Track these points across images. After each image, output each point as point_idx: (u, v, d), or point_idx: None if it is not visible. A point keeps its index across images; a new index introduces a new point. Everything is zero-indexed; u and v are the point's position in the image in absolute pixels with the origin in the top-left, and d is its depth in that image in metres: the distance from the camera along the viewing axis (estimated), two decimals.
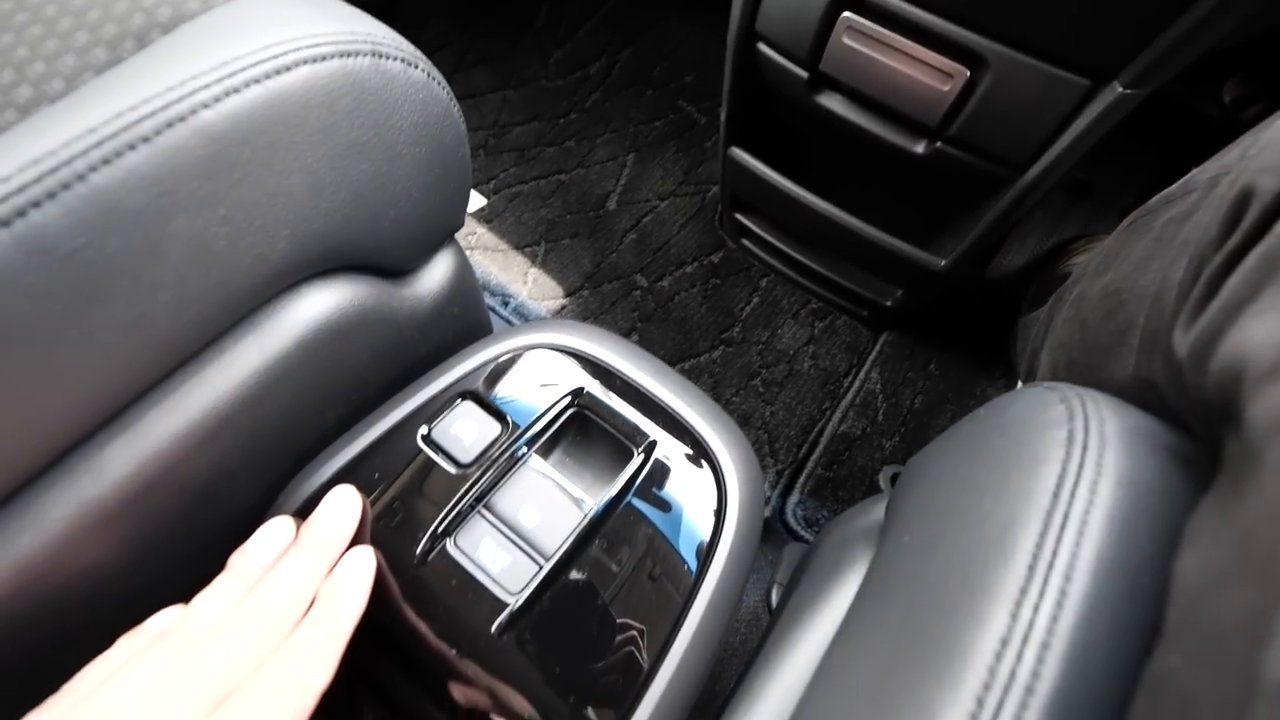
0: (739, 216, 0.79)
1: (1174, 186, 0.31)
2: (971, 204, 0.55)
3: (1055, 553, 0.19)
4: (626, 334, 0.76)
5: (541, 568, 0.29)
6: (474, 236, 0.80)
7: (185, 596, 0.32)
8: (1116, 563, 0.19)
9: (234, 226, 0.25)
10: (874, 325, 0.80)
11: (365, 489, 0.31)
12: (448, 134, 0.33)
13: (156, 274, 0.23)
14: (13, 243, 0.19)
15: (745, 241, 0.83)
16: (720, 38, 0.62)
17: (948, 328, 0.80)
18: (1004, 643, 0.18)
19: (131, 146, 0.21)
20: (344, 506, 0.29)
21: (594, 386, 0.34)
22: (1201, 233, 0.22)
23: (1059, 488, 0.21)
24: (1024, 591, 0.19)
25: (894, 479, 0.69)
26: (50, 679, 0.27)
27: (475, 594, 0.28)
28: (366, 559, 0.28)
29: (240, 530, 0.32)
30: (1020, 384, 0.73)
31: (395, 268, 0.35)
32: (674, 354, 0.75)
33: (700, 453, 0.33)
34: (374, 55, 0.28)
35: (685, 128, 0.95)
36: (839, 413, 0.72)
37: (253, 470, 0.31)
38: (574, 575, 0.29)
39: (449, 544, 0.29)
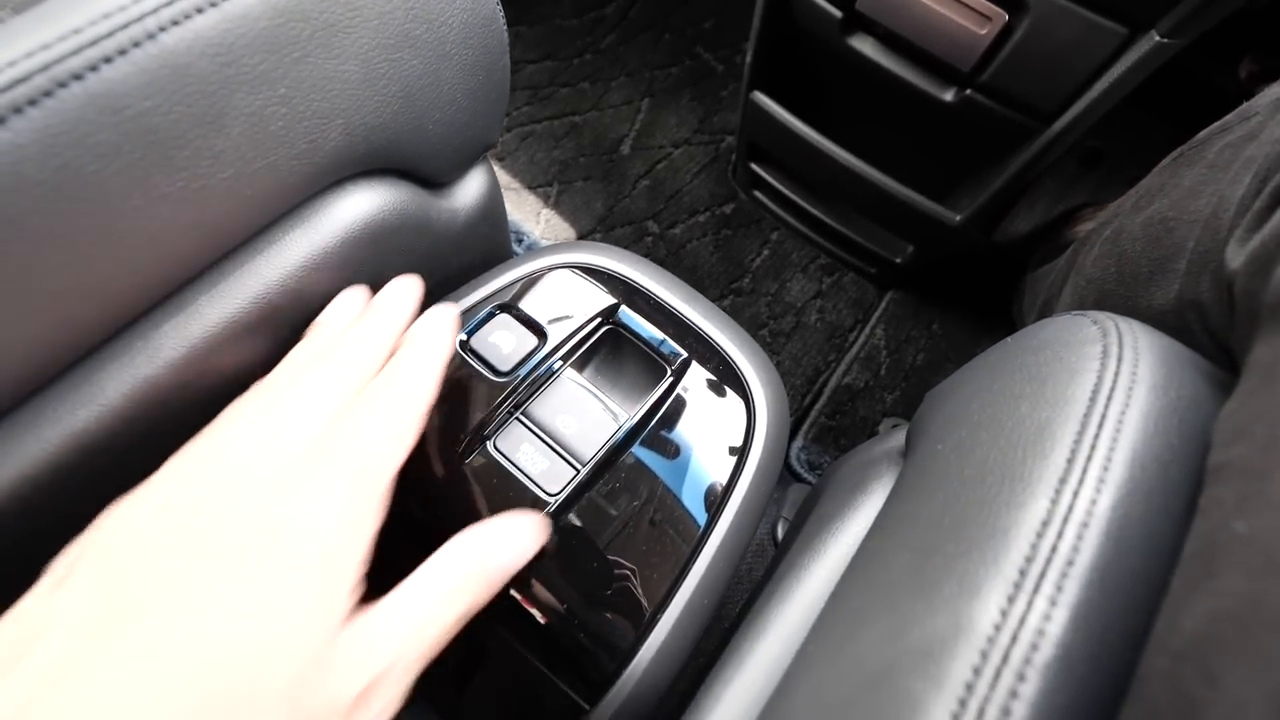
0: (754, 166, 0.79)
1: (1229, 116, 0.31)
2: (993, 157, 0.55)
3: (1094, 447, 0.20)
4: None
5: (578, 472, 0.30)
6: None
7: None
8: (1151, 455, 0.20)
9: (291, 108, 0.24)
10: (881, 283, 0.81)
11: None
12: (493, 40, 0.33)
13: (218, 148, 0.23)
14: (86, 98, 0.19)
15: (758, 193, 0.83)
16: None
17: (952, 289, 0.81)
18: (1044, 523, 0.19)
19: (200, 10, 0.21)
20: (406, 285, 0.30)
21: (627, 306, 0.34)
22: (1271, 147, 0.23)
23: (1095, 393, 0.22)
24: (1063, 480, 0.20)
25: (894, 429, 0.71)
26: None
27: (516, 492, 0.29)
28: (449, 311, 0.28)
29: None
30: None
31: (435, 177, 0.35)
32: None
33: (731, 375, 0.34)
34: None
35: (702, 75, 0.93)
36: (843, 365, 0.73)
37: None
38: (608, 482, 0.30)
39: (490, 445, 0.30)
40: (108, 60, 0.19)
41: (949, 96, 0.52)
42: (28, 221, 0.19)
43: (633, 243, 0.78)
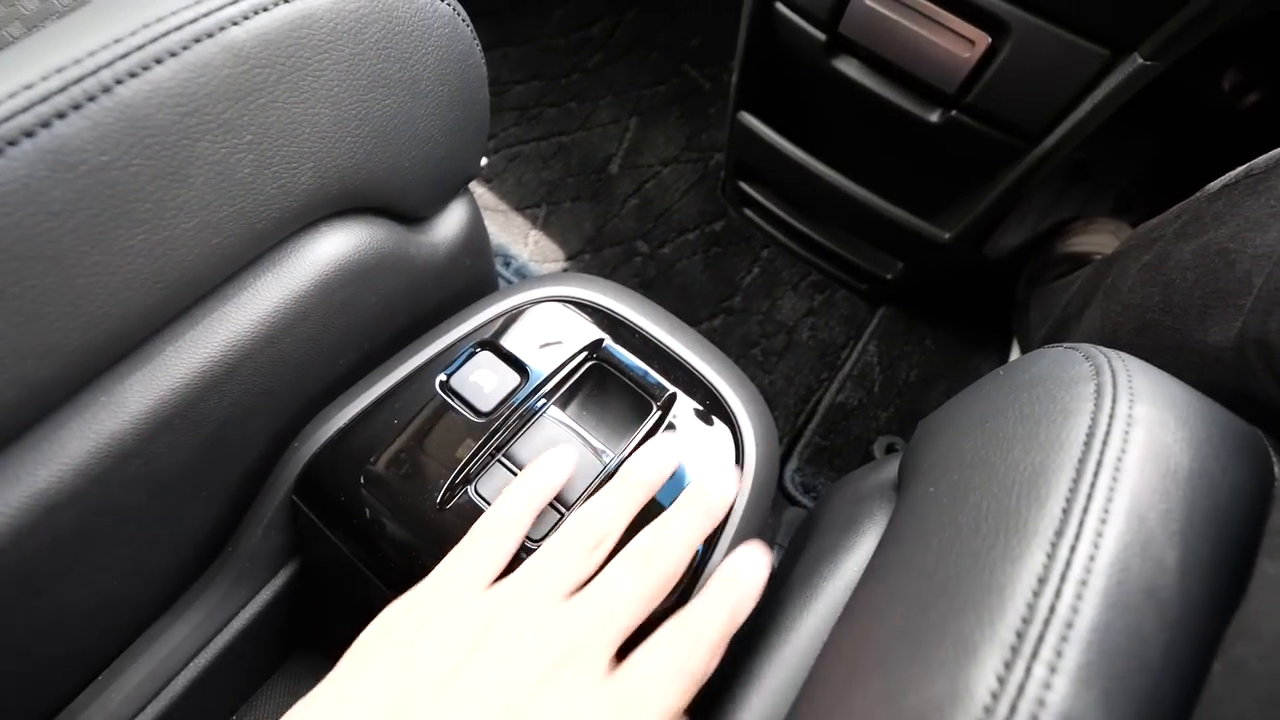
0: (743, 185, 0.79)
1: None
2: (981, 176, 0.55)
3: (1090, 496, 0.20)
4: None
5: (563, 516, 0.29)
6: (475, 196, 0.79)
7: (196, 536, 0.32)
8: (1150, 504, 0.19)
9: (259, 154, 0.24)
10: (872, 300, 0.81)
11: (382, 433, 0.30)
12: (470, 74, 0.32)
13: (181, 199, 0.22)
14: (37, 155, 0.19)
15: (748, 211, 0.83)
16: (727, 6, 0.61)
17: (943, 304, 0.81)
18: (1041, 580, 0.18)
19: (159, 60, 0.20)
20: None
21: (611, 340, 0.34)
22: None
23: (1090, 436, 0.21)
24: (1059, 533, 0.19)
25: (889, 449, 0.70)
26: (61, 617, 0.26)
27: None
28: (760, 555, 0.27)
29: (253, 473, 0.32)
30: (1011, 359, 0.74)
31: (412, 212, 0.34)
32: None
33: (717, 408, 0.33)
34: None
35: (689, 93, 0.93)
36: (836, 383, 0.72)
37: (268, 412, 0.30)
38: None
39: (470, 490, 0.29)
40: (61, 116, 0.19)
41: (934, 117, 0.51)
42: None
43: (622, 263, 0.77)
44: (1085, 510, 0.19)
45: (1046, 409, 0.24)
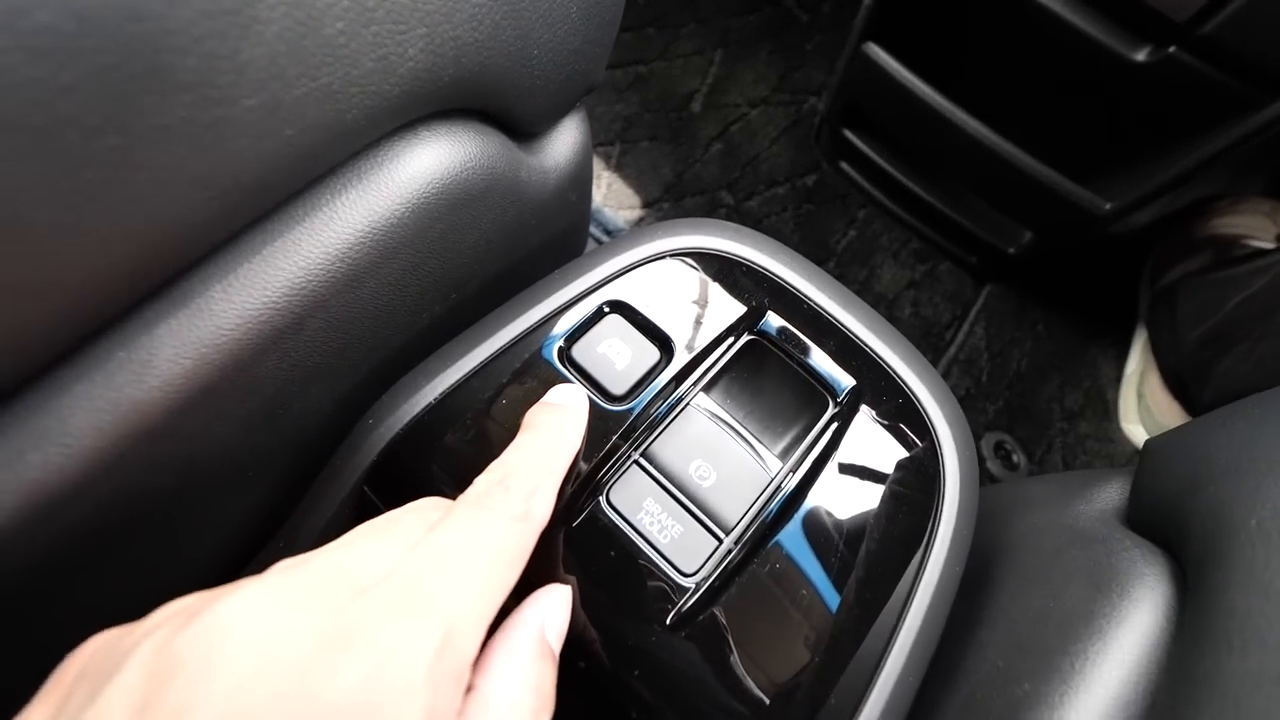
0: (846, 133, 0.69)
1: None
2: (1182, 135, 0.45)
3: None
4: None
5: (720, 543, 0.22)
6: None
7: (236, 530, 0.25)
8: None
9: (356, 1, 0.16)
10: (980, 275, 0.71)
11: (483, 415, 0.23)
12: None
13: (241, 57, 0.14)
14: None
15: (844, 164, 0.73)
16: None
17: (1058, 285, 0.71)
18: None
19: None
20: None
21: (775, 312, 0.26)
22: None
23: None
24: None
25: (998, 447, 0.62)
26: (67, 634, 0.20)
27: (639, 569, 0.21)
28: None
29: (312, 453, 0.25)
30: (1137, 361, 0.65)
31: (527, 124, 0.26)
32: None
33: (910, 412, 0.25)
34: None
35: (783, 25, 0.82)
36: (941, 368, 0.64)
37: (335, 377, 0.23)
38: (764, 558, 0.22)
39: (604, 501, 0.22)
40: None
41: (1141, 56, 0.41)
42: None
43: (704, 214, 0.68)
44: None
45: None
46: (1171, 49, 0.40)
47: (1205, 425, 0.25)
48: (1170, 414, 0.61)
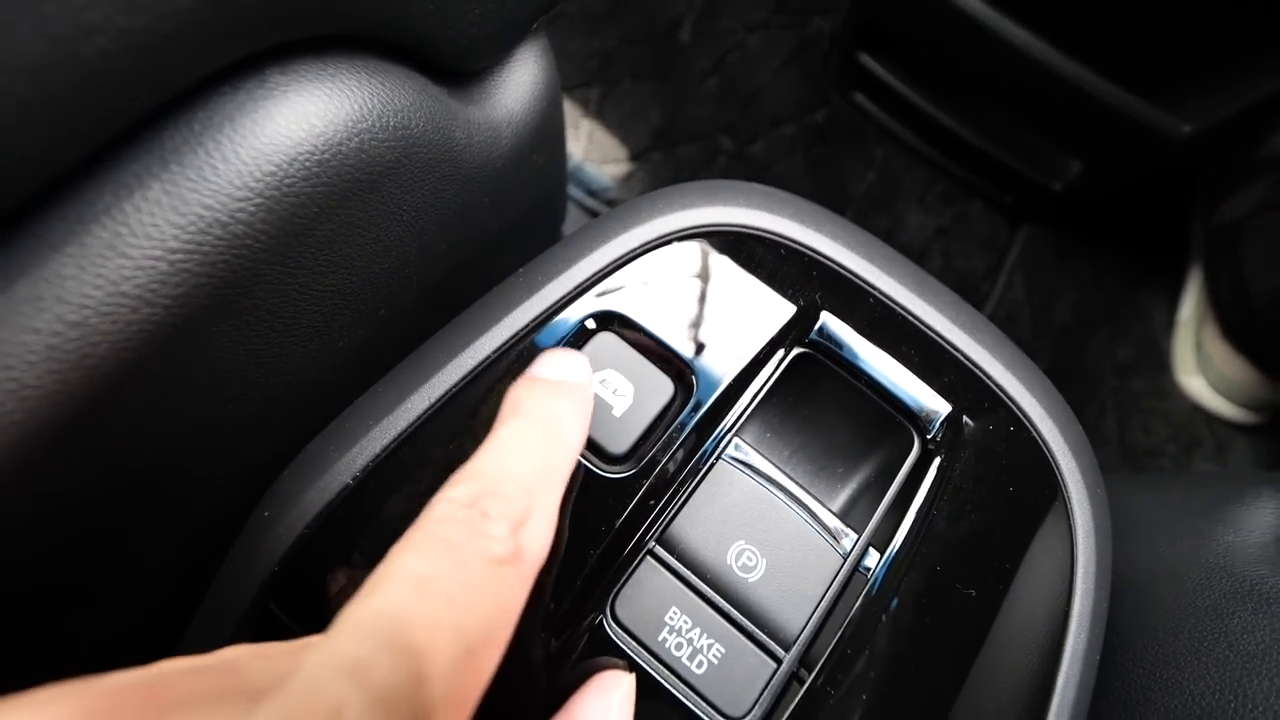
0: (862, 56, 0.59)
1: None
2: (1274, 43, 0.36)
3: None
4: None
5: (780, 664, 0.15)
6: None
7: (128, 641, 0.18)
8: None
9: None
10: (1015, 216, 0.63)
11: (429, 490, 0.16)
12: None
13: None
14: None
15: (859, 95, 0.63)
16: None
17: (1100, 221, 0.63)
18: None
19: None
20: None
21: (833, 312, 0.18)
22: None
23: None
24: None
25: None
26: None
27: (666, 714, 0.15)
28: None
29: (194, 559, 0.17)
30: (1193, 305, 0.57)
31: (457, 58, 0.17)
32: None
33: (1025, 441, 0.18)
34: None
35: None
36: None
37: (209, 451, 0.16)
38: (847, 684, 0.15)
39: (606, 618, 0.15)
40: None
41: None
42: None
43: (702, 165, 0.59)
44: None
45: None
46: None
47: None
48: (1234, 366, 0.54)
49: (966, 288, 0.58)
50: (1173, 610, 0.20)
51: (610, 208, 0.55)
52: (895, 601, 0.16)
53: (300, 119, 0.13)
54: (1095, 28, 0.44)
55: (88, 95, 0.10)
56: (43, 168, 0.10)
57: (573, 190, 0.53)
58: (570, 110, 0.59)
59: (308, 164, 0.13)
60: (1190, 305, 0.60)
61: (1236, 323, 0.53)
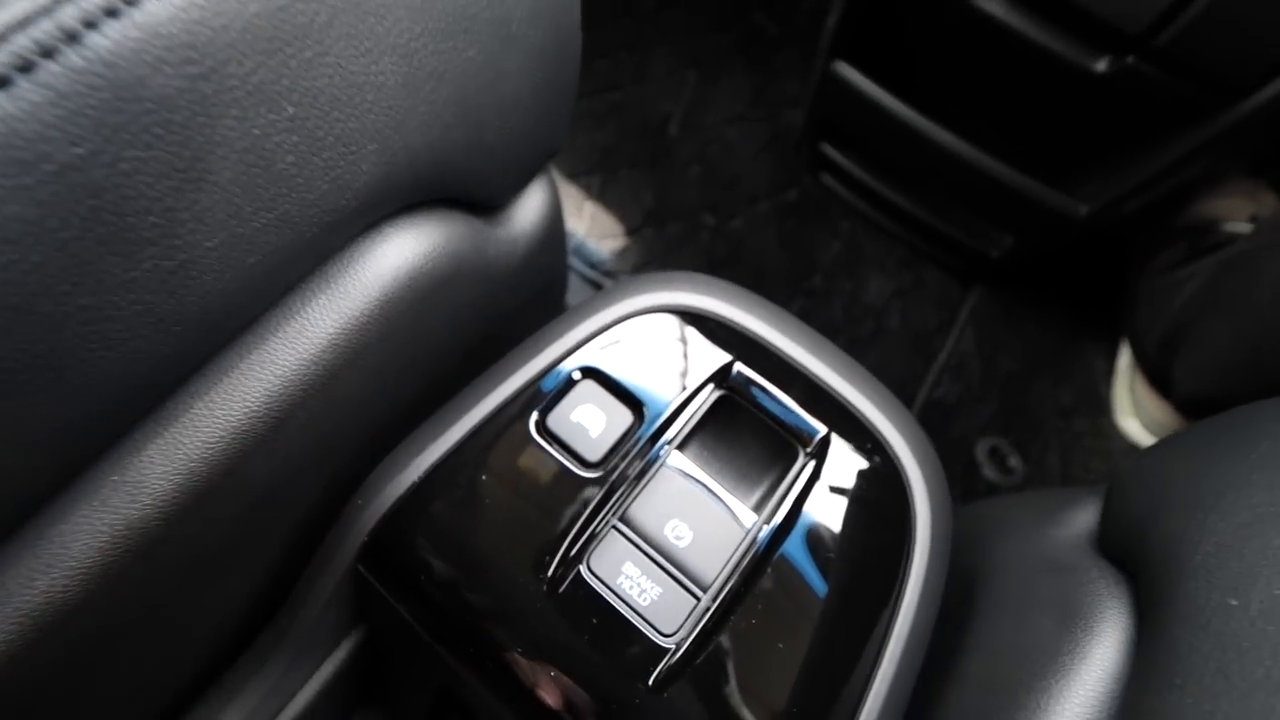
0: (824, 147, 0.69)
1: None
2: (1149, 140, 0.46)
3: None
4: None
5: (698, 601, 0.23)
6: None
7: (237, 614, 0.26)
8: None
9: (305, 134, 0.16)
10: (966, 278, 0.72)
11: (466, 490, 0.24)
12: (564, 13, 0.24)
13: (200, 205, 0.15)
14: None
15: (826, 176, 0.74)
16: None
17: (1045, 282, 0.71)
18: None
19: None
20: None
21: (744, 364, 0.27)
22: None
23: None
24: None
25: (992, 452, 0.62)
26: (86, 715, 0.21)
27: (621, 634, 0.22)
28: None
29: (307, 537, 0.26)
30: (1129, 355, 0.65)
31: (491, 200, 0.27)
32: None
33: (879, 453, 0.26)
34: None
35: (753, 40, 0.83)
36: (932, 376, 0.64)
37: (322, 465, 0.24)
38: (742, 613, 0.23)
39: (584, 568, 0.23)
40: (1, 86, 0.12)
41: (1101, 66, 0.42)
42: None
43: (687, 239, 0.69)
44: None
45: None
46: (1129, 59, 0.41)
47: (1163, 452, 0.26)
48: (1159, 410, 0.61)
49: (921, 342, 0.66)
50: (1008, 584, 0.27)
51: (607, 277, 0.65)
52: (776, 558, 0.23)
53: (401, 252, 0.22)
54: (1003, 129, 0.53)
55: (300, 253, 0.19)
56: (267, 297, 0.19)
57: (576, 263, 0.62)
58: (575, 194, 0.70)
59: (407, 277, 0.22)
60: (1126, 354, 0.68)
61: (1151, 369, 0.60)
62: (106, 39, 0.12)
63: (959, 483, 0.60)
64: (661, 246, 0.68)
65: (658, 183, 0.72)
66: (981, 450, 0.61)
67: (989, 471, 0.60)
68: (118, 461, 0.18)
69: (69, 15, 0.12)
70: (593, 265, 0.63)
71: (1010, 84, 0.49)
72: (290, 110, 0.16)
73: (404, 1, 0.18)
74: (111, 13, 0.12)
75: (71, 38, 0.12)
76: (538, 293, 0.34)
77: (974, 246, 0.65)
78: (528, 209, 0.30)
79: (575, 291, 0.61)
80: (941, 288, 0.70)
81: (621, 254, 0.66)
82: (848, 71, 0.57)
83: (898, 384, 0.64)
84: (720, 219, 0.71)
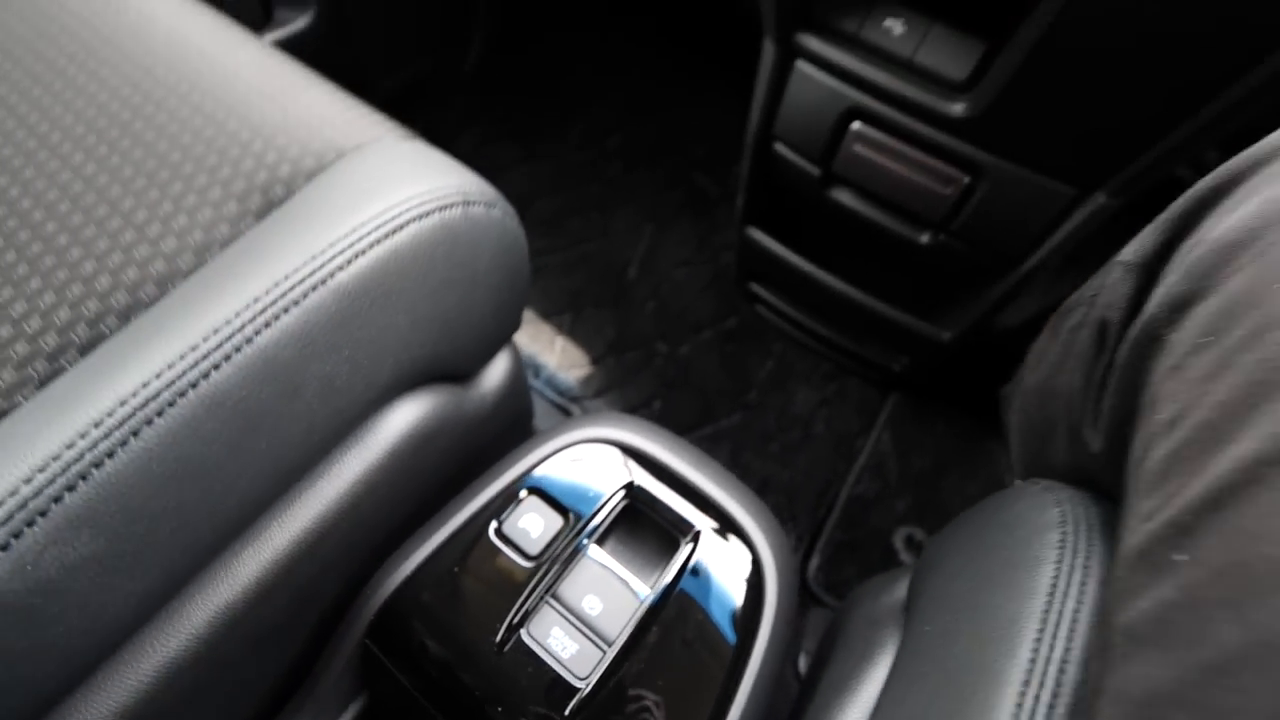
0: (753, 286, 0.84)
1: (1075, 294, 0.32)
2: (974, 285, 0.60)
3: (1052, 647, 0.23)
4: (649, 401, 0.80)
5: (605, 654, 0.33)
6: None
7: (276, 677, 0.35)
8: None
9: (353, 363, 0.29)
10: (884, 386, 0.84)
11: (444, 580, 0.35)
12: (517, 258, 0.38)
13: (295, 409, 0.27)
14: (198, 400, 0.24)
15: (759, 308, 0.88)
16: (729, 116, 0.68)
17: (953, 388, 0.84)
18: None
19: (286, 310, 0.26)
20: None
21: (643, 478, 0.38)
22: (1082, 348, 0.27)
23: (1053, 587, 0.25)
24: (1026, 683, 0.22)
25: (908, 540, 0.72)
26: None
27: (550, 680, 0.32)
28: None
29: (329, 619, 0.36)
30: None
31: (464, 373, 0.39)
32: (695, 420, 0.79)
33: (740, 538, 0.37)
34: (464, 204, 0.33)
35: (698, 198, 1.01)
36: (853, 475, 0.75)
37: (345, 565, 0.35)
38: (636, 660, 0.33)
39: (524, 633, 0.33)
40: (217, 367, 0.24)
41: (924, 239, 0.57)
42: (147, 506, 0.24)
43: (643, 365, 0.82)
44: (1047, 663, 0.22)
45: (1022, 555, 0.27)
46: (941, 236, 0.56)
47: (939, 535, 0.37)
48: None
49: (843, 445, 0.78)
50: (849, 640, 0.37)
51: (573, 402, 0.77)
52: (662, 618, 0.34)
53: (404, 417, 0.34)
54: (880, 277, 0.68)
55: (338, 433, 0.31)
56: (313, 463, 0.31)
57: (548, 392, 0.75)
58: (548, 331, 0.84)
59: (409, 433, 0.34)
60: None
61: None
62: (265, 338, 0.25)
63: (879, 568, 0.69)
64: (621, 373, 0.81)
65: (619, 318, 0.87)
66: (899, 538, 0.71)
67: (905, 557, 0.69)
68: (225, 563, 0.29)
69: (249, 329, 0.25)
70: (561, 393, 0.76)
71: (873, 246, 0.65)
72: (346, 353, 0.29)
73: (412, 284, 0.31)
74: (268, 324, 0.25)
75: (248, 341, 0.25)
76: (508, 426, 0.46)
77: (880, 363, 0.78)
78: (494, 373, 0.43)
79: (546, 416, 0.73)
80: (861, 396, 0.83)
81: (586, 381, 0.79)
82: (758, 234, 0.73)
83: (824, 483, 0.75)
84: (671, 346, 0.85)
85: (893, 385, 0.84)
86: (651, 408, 0.79)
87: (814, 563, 0.68)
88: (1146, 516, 0.20)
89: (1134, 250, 0.26)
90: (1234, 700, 0.15)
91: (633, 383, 0.81)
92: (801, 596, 0.66)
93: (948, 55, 0.47)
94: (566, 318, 0.86)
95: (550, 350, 0.82)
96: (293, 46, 0.85)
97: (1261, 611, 0.15)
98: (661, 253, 0.94)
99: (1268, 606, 0.15)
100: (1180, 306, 0.22)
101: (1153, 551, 0.19)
